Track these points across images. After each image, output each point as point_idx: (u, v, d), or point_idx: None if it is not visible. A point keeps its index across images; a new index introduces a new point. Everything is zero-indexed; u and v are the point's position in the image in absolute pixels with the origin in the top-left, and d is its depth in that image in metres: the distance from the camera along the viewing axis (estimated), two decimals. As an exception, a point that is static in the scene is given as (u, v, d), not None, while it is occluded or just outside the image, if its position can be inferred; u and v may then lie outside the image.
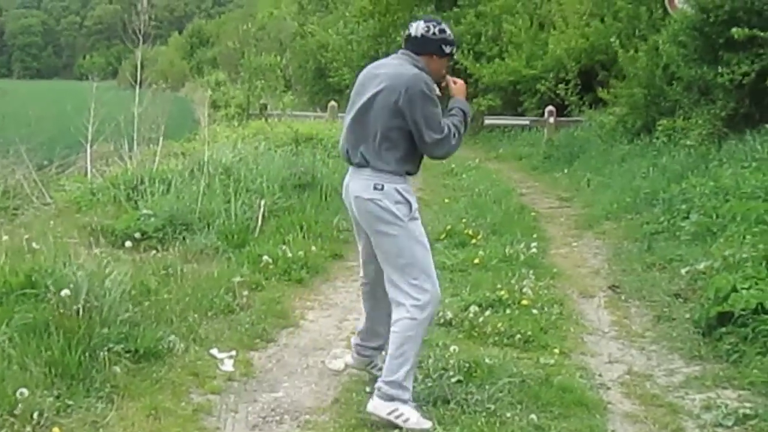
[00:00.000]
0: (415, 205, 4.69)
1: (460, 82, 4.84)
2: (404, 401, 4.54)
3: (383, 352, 4.98)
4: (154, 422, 4.49)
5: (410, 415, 4.50)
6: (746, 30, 10.59)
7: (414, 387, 4.84)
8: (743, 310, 5.68)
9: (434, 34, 4.67)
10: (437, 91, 4.62)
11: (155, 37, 16.65)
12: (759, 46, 10.75)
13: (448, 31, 4.71)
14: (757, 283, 5.92)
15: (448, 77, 4.81)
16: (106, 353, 4.91)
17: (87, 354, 4.81)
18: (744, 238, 7.02)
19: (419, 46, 4.68)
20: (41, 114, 15.41)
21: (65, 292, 5.01)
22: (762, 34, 10.57)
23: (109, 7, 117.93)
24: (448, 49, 4.69)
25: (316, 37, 33.42)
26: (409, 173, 4.76)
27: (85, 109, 11.71)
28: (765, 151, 9.78)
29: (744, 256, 6.52)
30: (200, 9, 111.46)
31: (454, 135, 4.64)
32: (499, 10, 22.32)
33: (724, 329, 5.79)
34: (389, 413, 4.51)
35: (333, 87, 30.10)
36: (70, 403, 4.50)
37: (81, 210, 9.40)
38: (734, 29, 10.62)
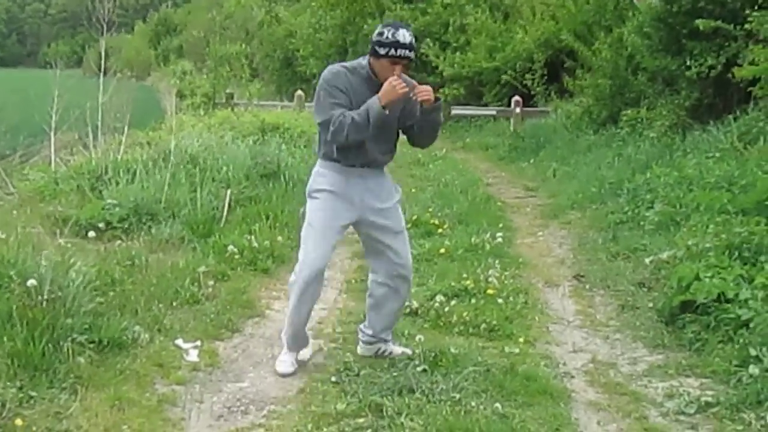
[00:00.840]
0: (320, 187, 5.07)
1: (397, 84, 4.84)
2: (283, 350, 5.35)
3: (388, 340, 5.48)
4: (118, 413, 4.46)
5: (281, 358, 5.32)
6: (711, 21, 10.67)
7: (380, 376, 4.95)
8: (706, 299, 5.73)
9: (373, 36, 4.95)
10: (391, 98, 4.82)
11: (120, 25, 16.53)
12: (723, 37, 10.83)
13: (386, 34, 4.86)
14: (719, 272, 5.97)
15: (391, 78, 4.86)
16: (69, 344, 4.86)
17: (50, 345, 4.77)
18: (707, 227, 7.07)
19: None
20: (4, 102, 15.25)
21: (31, 282, 4.96)
22: (726, 25, 10.65)
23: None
24: (381, 51, 4.87)
25: (284, 26, 33.27)
26: (329, 158, 5.08)
27: (49, 98, 11.57)
28: (728, 141, 9.86)
29: (707, 245, 6.57)
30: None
31: (335, 124, 4.84)
32: (465, 0, 22.31)
33: (686, 318, 5.85)
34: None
35: (300, 76, 29.95)
36: (33, 394, 4.45)
37: (45, 199, 9.31)
38: (699, 20, 10.70)
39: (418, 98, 4.98)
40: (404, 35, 4.86)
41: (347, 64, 5.15)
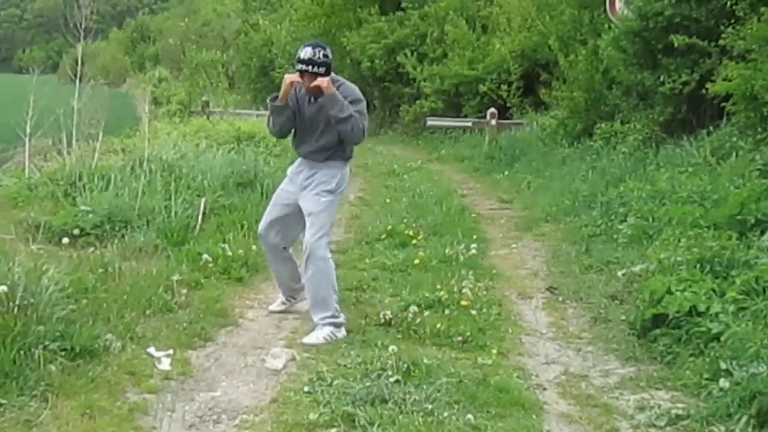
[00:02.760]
0: (286, 175, 6.45)
1: (287, 77, 6.21)
2: None
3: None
4: (89, 421, 4.44)
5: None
6: (686, 38, 10.75)
7: (353, 386, 4.96)
8: (677, 312, 5.78)
9: None
10: (282, 89, 6.19)
11: (97, 32, 16.44)
12: (697, 53, 10.92)
13: (299, 53, 6.07)
14: (691, 286, 6.01)
15: (286, 75, 6.27)
16: (41, 351, 4.84)
17: (21, 352, 4.75)
18: (679, 241, 7.12)
19: None
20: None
21: (2, 288, 4.95)
22: (701, 42, 10.74)
23: (50, 0, 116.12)
24: (297, 66, 6.07)
25: (261, 35, 33.25)
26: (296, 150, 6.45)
27: (23, 103, 11.50)
28: (701, 156, 9.93)
29: (679, 259, 6.62)
30: (143, 4, 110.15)
31: (268, 123, 6.51)
32: (443, 12, 22.37)
33: (658, 331, 5.88)
34: None
35: (277, 85, 29.78)
36: (3, 401, 4.43)
37: (18, 205, 9.26)
38: (673, 36, 10.78)
39: (312, 84, 6.01)
40: (305, 52, 6.01)
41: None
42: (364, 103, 6.26)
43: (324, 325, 6.00)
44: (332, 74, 6.14)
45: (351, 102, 6.08)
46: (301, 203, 6.18)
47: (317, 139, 6.17)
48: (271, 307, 6.74)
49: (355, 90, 6.24)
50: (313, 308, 6.11)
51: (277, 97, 6.24)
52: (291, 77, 6.12)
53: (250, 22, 35.19)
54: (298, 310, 6.71)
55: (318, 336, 5.94)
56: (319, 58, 5.99)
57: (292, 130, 6.37)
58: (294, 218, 6.29)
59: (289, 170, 6.44)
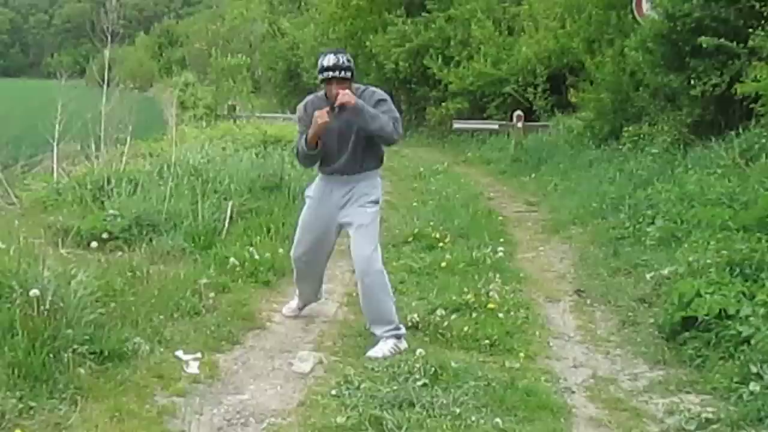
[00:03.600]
0: (308, 194, 6.24)
1: (319, 115, 5.86)
2: None
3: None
4: (118, 424, 4.46)
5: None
6: (714, 39, 10.67)
7: (380, 390, 4.96)
8: (707, 315, 5.73)
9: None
10: (313, 130, 5.89)
11: (124, 37, 16.55)
12: (726, 54, 10.83)
13: (319, 62, 5.94)
14: (720, 289, 5.96)
15: (316, 113, 5.90)
16: (70, 354, 4.86)
17: (51, 355, 4.77)
18: (708, 243, 7.07)
19: None
20: (7, 112, 15.27)
21: (33, 292, 4.96)
22: (729, 43, 10.66)
23: (77, 5, 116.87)
24: (319, 76, 5.94)
25: (286, 39, 33.35)
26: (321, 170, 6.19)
27: (51, 108, 11.60)
28: (730, 157, 9.85)
29: (708, 261, 6.57)
30: (169, 9, 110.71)
31: (294, 152, 6.39)
32: (468, 14, 22.35)
33: (687, 334, 5.84)
34: None
35: (302, 88, 30.00)
36: (33, 404, 4.46)
37: (47, 210, 9.33)
38: (702, 38, 10.69)
39: (337, 104, 5.78)
40: (329, 59, 5.86)
41: (318, 93, 6.16)
42: (390, 100, 6.11)
43: (388, 337, 5.82)
44: (354, 83, 6.00)
45: (377, 103, 5.94)
46: (344, 220, 6.03)
47: (352, 152, 5.98)
48: (285, 311, 6.74)
49: (377, 91, 6.07)
50: (375, 322, 5.94)
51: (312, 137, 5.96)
52: (323, 117, 5.82)
53: (275, 26, 35.32)
54: (326, 314, 6.73)
55: (383, 349, 5.73)
56: (343, 63, 5.86)
57: None
58: (331, 241, 6.26)
59: (311, 192, 6.22)
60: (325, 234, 6.15)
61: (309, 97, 6.20)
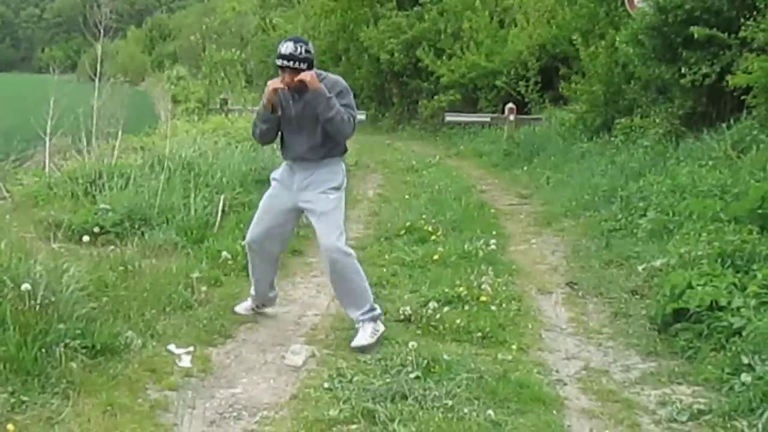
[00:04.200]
0: (273, 176, 6.19)
1: (270, 83, 5.92)
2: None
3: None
4: (110, 418, 4.46)
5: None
6: (705, 30, 10.68)
7: (373, 383, 4.98)
8: (698, 306, 5.75)
9: None
10: (265, 97, 5.93)
11: (116, 31, 16.50)
12: (717, 46, 10.84)
13: (279, 48, 5.79)
14: (712, 280, 5.98)
15: (269, 81, 5.98)
16: (62, 349, 4.86)
17: (43, 350, 4.77)
18: (700, 235, 7.08)
19: None
20: (-2, 107, 15.24)
21: (25, 286, 4.97)
22: (720, 34, 10.67)
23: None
24: (278, 62, 5.80)
25: (278, 32, 33.29)
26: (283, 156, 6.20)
27: (43, 102, 11.57)
28: (721, 149, 9.87)
29: (699, 253, 6.59)
30: (161, 2, 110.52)
31: (252, 131, 6.29)
32: (460, 7, 22.35)
33: (679, 326, 5.85)
34: None
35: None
36: (25, 399, 4.46)
37: (38, 204, 9.31)
38: (694, 28, 10.70)
39: (297, 79, 5.76)
40: (286, 47, 5.75)
41: None
42: (351, 93, 6.00)
43: (365, 321, 5.80)
44: (314, 70, 5.85)
45: (337, 94, 5.83)
46: (304, 206, 5.96)
47: (309, 138, 5.89)
48: (237, 308, 6.47)
49: (339, 81, 5.96)
50: (350, 306, 5.92)
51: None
52: (274, 83, 5.84)
53: (267, 19, 35.26)
54: (318, 307, 6.74)
55: (365, 336, 5.72)
56: (300, 53, 5.71)
57: (279, 136, 6.14)
58: (290, 224, 6.20)
59: (276, 176, 6.15)
60: (283, 215, 6.04)
61: (275, 79, 6.00)
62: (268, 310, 6.54)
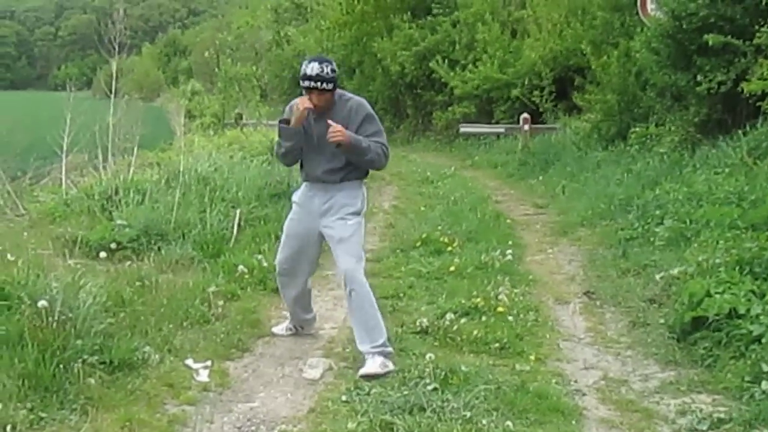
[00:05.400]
0: (294, 199, 6.02)
1: (300, 102, 5.67)
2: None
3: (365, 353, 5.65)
4: (128, 434, 4.47)
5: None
6: (720, 37, 10.65)
7: (390, 395, 4.97)
8: (717, 314, 5.72)
9: None
10: (295, 116, 5.70)
11: (130, 47, 16.57)
12: (732, 53, 10.82)
13: (304, 69, 5.62)
14: (730, 288, 5.95)
15: (296, 101, 5.74)
16: (80, 365, 4.88)
17: (61, 366, 4.78)
18: (717, 243, 7.06)
19: None
20: (15, 125, 15.30)
21: (42, 303, 4.98)
22: (735, 41, 10.64)
23: (83, 17, 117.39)
24: (302, 83, 5.65)
25: (292, 46, 33.41)
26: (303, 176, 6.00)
27: (59, 120, 11.63)
28: (738, 156, 9.84)
29: (717, 261, 6.56)
30: (175, 18, 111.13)
31: (276, 152, 6.15)
32: (473, 18, 22.39)
33: (698, 334, 5.82)
34: None
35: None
36: (44, 415, 4.47)
37: (55, 221, 9.35)
38: (708, 35, 10.67)
39: (330, 139, 5.54)
40: (312, 68, 5.58)
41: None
42: (376, 117, 5.84)
43: (376, 354, 5.51)
44: (337, 90, 5.73)
45: (363, 120, 5.70)
46: (324, 231, 5.78)
47: (330, 160, 5.71)
48: (275, 330, 6.44)
49: (363, 105, 5.79)
50: (364, 338, 5.59)
51: (287, 120, 5.78)
52: (304, 103, 5.62)
53: (281, 33, 35.39)
54: (335, 320, 6.73)
55: (374, 366, 5.44)
56: (327, 73, 5.56)
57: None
58: (314, 248, 5.96)
59: (296, 198, 5.98)
60: (308, 239, 5.87)
61: (295, 100, 5.82)
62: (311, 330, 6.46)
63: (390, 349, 5.64)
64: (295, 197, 6.03)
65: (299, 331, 6.38)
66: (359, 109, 5.74)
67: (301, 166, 5.93)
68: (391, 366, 5.51)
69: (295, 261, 5.97)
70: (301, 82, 5.65)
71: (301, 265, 5.99)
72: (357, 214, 5.79)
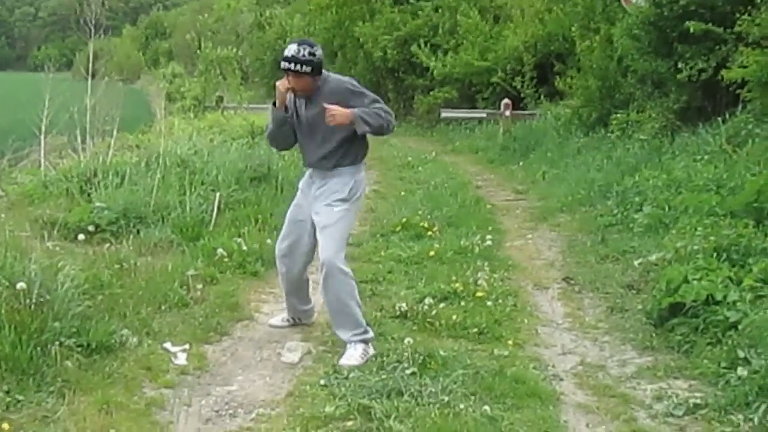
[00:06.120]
0: (299, 185, 5.95)
1: (280, 84, 5.61)
2: None
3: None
4: (106, 417, 4.45)
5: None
6: (701, 24, 10.68)
7: (369, 379, 4.98)
8: (694, 301, 5.75)
9: None
10: (278, 97, 5.67)
11: (110, 29, 16.47)
12: (713, 40, 10.85)
13: (285, 52, 5.55)
14: (707, 275, 5.98)
15: (277, 82, 5.66)
16: (57, 347, 4.86)
17: (38, 348, 4.76)
18: (695, 230, 7.09)
19: None
20: (-7, 106, 15.22)
21: (20, 285, 4.96)
22: (716, 28, 10.67)
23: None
24: (282, 65, 5.55)
25: (274, 29, 33.27)
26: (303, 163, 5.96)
27: (38, 101, 11.55)
28: (717, 143, 9.88)
29: (695, 247, 6.59)
30: (156, 0, 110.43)
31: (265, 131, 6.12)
32: (455, 2, 22.35)
33: (675, 320, 5.85)
34: None
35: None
36: (20, 398, 4.45)
37: (33, 203, 9.29)
38: (689, 23, 10.70)
39: (330, 123, 5.47)
40: (289, 49, 5.52)
41: None
42: (365, 90, 5.70)
43: (356, 342, 5.50)
44: (323, 73, 5.61)
45: (356, 97, 5.56)
46: (313, 217, 5.70)
47: (320, 146, 5.64)
48: (271, 321, 6.30)
49: (346, 84, 5.65)
50: (341, 327, 5.59)
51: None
52: (284, 84, 5.56)
53: (263, 16, 35.24)
54: (314, 303, 6.72)
55: (354, 356, 5.41)
56: (303, 56, 5.42)
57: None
58: (309, 234, 5.80)
59: (301, 183, 5.94)
60: (305, 226, 5.77)
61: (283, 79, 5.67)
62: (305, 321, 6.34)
63: (371, 334, 5.61)
64: (300, 183, 5.98)
65: (297, 323, 6.24)
66: (341, 88, 5.61)
67: (301, 154, 5.92)
68: (371, 351, 5.49)
69: (293, 247, 5.86)
70: (280, 62, 5.58)
71: (299, 250, 5.86)
72: (345, 201, 5.65)
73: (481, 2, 22.08)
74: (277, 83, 5.62)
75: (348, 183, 5.69)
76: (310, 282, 6.19)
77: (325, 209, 5.62)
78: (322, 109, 5.47)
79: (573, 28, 15.77)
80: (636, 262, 7.35)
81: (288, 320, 6.25)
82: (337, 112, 5.42)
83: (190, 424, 4.56)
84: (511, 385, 4.98)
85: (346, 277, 5.57)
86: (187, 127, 15.59)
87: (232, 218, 8.86)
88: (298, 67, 5.46)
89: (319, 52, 5.55)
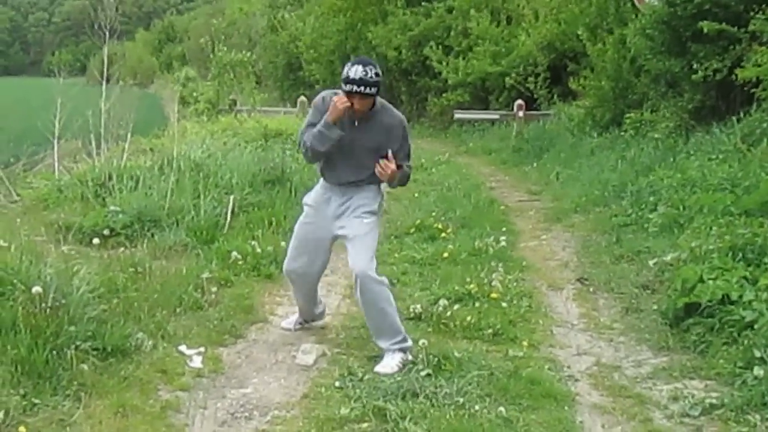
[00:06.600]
0: (306, 201, 5.82)
1: (338, 100, 5.37)
2: None
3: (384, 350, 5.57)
4: (121, 420, 4.46)
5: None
6: (715, 24, 10.64)
7: (383, 381, 5.01)
8: (710, 301, 5.73)
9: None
10: (333, 114, 5.39)
11: (123, 33, 16.53)
12: (726, 39, 10.81)
13: (347, 72, 5.32)
14: (723, 274, 5.96)
15: (335, 97, 5.42)
16: (73, 351, 4.87)
17: (54, 352, 4.78)
18: (710, 229, 7.06)
19: None
20: (8, 111, 15.28)
21: (36, 289, 4.98)
22: (730, 28, 10.63)
23: (77, 3, 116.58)
24: (344, 86, 5.34)
25: (287, 32, 33.31)
26: (321, 173, 5.78)
27: (52, 106, 11.58)
28: (731, 143, 9.84)
29: (710, 247, 6.57)
30: (169, 4, 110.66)
31: (300, 140, 5.70)
32: (467, 5, 22.33)
33: (691, 320, 5.84)
34: None
35: (303, 82, 29.99)
36: (37, 401, 4.46)
37: (48, 207, 9.32)
38: (703, 23, 10.67)
39: (378, 173, 5.47)
40: (355, 71, 5.28)
41: (338, 91, 5.50)
42: (408, 135, 5.75)
43: (394, 351, 5.43)
44: (378, 98, 5.49)
45: (403, 140, 5.61)
46: (339, 232, 5.61)
47: (356, 169, 5.55)
48: (284, 324, 6.27)
49: (403, 122, 5.66)
50: (380, 336, 5.51)
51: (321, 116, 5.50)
52: (343, 102, 5.35)
53: (276, 19, 35.29)
54: (329, 305, 6.72)
55: (391, 364, 5.32)
56: (371, 77, 5.26)
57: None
58: (327, 253, 5.82)
59: (309, 201, 5.80)
60: (321, 244, 5.72)
61: (328, 92, 5.63)
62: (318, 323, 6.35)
63: (409, 342, 5.53)
64: (308, 199, 5.83)
65: (308, 324, 6.24)
66: (396, 126, 5.59)
67: (326, 168, 5.70)
68: (409, 358, 5.42)
69: (308, 266, 5.79)
70: (342, 85, 5.35)
71: (313, 269, 5.83)
72: (373, 213, 5.64)
73: (493, 3, 22.05)
74: (334, 98, 5.41)
75: (375, 197, 5.69)
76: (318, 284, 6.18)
77: (355, 221, 5.57)
78: (373, 137, 5.48)
79: (580, 32, 15.75)
80: (651, 262, 7.32)
81: (300, 323, 6.23)
82: (389, 171, 5.45)
83: (206, 426, 4.57)
84: (526, 386, 4.98)
85: (381, 286, 5.51)
86: (200, 130, 15.61)
87: (246, 221, 8.87)
88: (368, 89, 5.31)
89: (380, 71, 5.44)
